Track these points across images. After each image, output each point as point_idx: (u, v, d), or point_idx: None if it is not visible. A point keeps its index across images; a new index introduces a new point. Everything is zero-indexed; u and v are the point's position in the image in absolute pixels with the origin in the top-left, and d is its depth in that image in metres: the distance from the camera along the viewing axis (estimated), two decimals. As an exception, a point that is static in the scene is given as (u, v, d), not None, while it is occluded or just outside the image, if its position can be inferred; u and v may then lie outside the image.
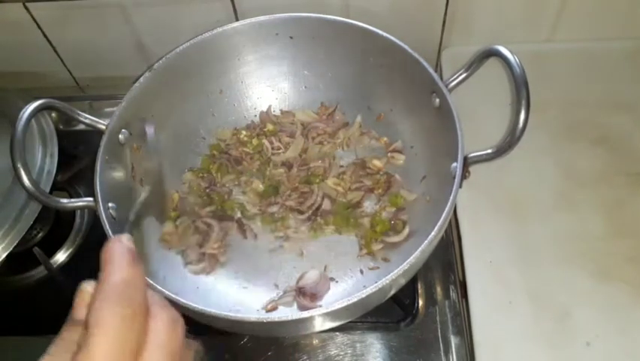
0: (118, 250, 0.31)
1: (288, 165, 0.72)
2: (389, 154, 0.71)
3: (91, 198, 0.58)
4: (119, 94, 0.66)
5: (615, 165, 0.69)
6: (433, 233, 0.52)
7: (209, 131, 0.75)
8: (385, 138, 0.73)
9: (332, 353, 0.63)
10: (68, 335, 0.30)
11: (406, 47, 0.63)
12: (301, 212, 0.69)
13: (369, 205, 0.69)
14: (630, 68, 0.77)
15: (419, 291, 0.66)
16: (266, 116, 0.76)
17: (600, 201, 0.67)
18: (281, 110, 0.77)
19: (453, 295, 0.66)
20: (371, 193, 0.69)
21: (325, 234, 0.68)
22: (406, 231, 0.65)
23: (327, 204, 0.69)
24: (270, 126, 0.75)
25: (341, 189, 0.69)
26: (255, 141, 0.74)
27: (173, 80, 0.69)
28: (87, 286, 0.31)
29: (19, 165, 0.55)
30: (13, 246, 0.64)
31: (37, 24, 0.78)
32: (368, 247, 0.65)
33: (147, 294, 0.31)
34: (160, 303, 0.31)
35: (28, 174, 0.56)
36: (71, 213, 0.77)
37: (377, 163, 0.71)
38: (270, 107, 0.77)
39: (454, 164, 0.56)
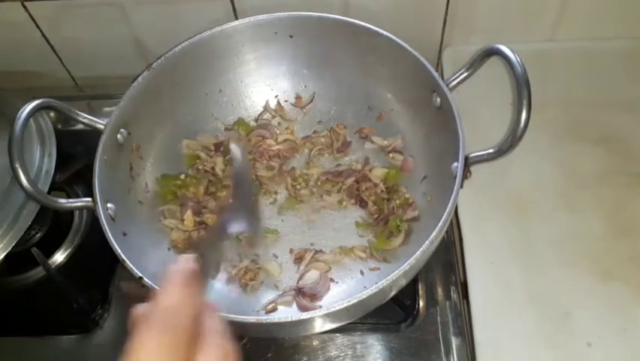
0: (177, 270, 0.30)
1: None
2: (390, 154, 0.71)
3: (89, 199, 0.58)
4: (118, 93, 0.66)
5: (616, 165, 0.69)
6: (433, 233, 0.52)
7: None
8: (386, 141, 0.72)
9: (332, 354, 0.63)
10: None
11: (406, 45, 0.63)
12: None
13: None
14: (631, 67, 0.77)
15: (420, 292, 0.66)
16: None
17: (601, 201, 0.67)
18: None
19: (454, 296, 0.66)
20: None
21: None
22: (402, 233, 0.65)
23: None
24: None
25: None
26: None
27: (172, 80, 0.69)
28: (139, 309, 0.31)
29: (17, 165, 0.55)
30: (11, 246, 0.63)
31: (36, 23, 0.78)
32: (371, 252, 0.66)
33: (202, 320, 0.30)
34: (214, 332, 0.30)
35: (27, 174, 0.56)
36: (70, 213, 0.77)
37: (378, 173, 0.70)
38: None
39: (455, 164, 0.56)
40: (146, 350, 0.27)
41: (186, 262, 0.31)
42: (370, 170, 0.70)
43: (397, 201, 0.67)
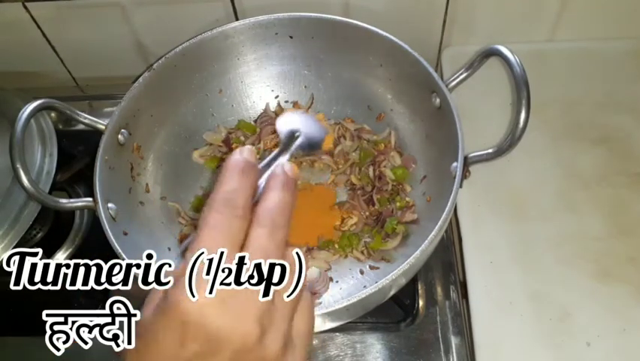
0: (233, 162, 0.34)
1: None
2: (391, 153, 0.71)
3: (90, 199, 0.58)
4: (119, 94, 0.66)
5: (615, 165, 0.69)
6: (433, 233, 0.52)
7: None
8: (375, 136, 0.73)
9: (332, 353, 0.63)
10: None
11: (406, 46, 0.63)
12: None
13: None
14: (630, 67, 0.77)
15: (419, 291, 0.66)
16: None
17: (600, 201, 0.67)
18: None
19: (453, 295, 0.66)
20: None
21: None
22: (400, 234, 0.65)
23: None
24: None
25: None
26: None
27: (172, 80, 0.69)
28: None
29: (18, 165, 0.55)
30: (12, 246, 0.63)
31: (37, 24, 0.78)
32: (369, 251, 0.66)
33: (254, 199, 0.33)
34: (266, 211, 0.33)
35: (28, 174, 0.56)
36: (71, 213, 0.77)
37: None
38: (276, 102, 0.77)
39: (455, 164, 0.56)
40: (211, 223, 0.31)
41: (241, 153, 0.34)
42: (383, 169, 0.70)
43: (398, 204, 0.67)
